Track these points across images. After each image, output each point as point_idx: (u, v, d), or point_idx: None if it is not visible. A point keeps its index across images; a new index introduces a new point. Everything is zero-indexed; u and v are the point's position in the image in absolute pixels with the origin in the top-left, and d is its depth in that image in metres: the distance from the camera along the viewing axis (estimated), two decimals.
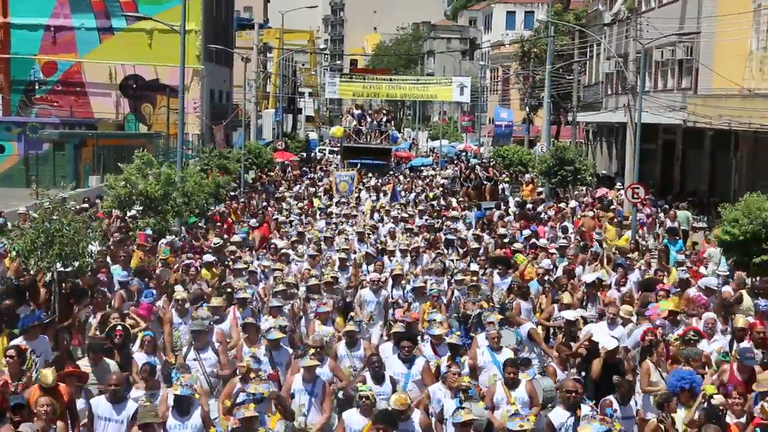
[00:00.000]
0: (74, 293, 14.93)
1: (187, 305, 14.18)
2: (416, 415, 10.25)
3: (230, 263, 18.98)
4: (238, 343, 13.24)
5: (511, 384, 11.40)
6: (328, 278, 16.78)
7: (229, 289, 15.71)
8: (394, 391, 11.09)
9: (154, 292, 15.42)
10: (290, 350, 12.91)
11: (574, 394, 10.31)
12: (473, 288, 16.56)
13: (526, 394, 11.34)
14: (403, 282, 17.73)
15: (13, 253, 15.08)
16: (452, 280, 17.95)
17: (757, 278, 17.30)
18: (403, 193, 38.30)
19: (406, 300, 16.83)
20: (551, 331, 15.98)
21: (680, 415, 10.69)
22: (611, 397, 11.14)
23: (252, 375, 10.92)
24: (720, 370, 12.12)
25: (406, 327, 13.64)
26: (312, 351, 11.64)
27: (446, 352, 12.60)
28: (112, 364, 11.72)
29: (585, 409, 10.22)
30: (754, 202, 17.24)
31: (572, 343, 13.35)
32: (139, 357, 12.13)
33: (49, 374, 10.36)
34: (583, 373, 12.50)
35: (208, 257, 18.87)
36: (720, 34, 31.99)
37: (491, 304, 15.88)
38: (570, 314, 14.32)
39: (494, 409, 11.17)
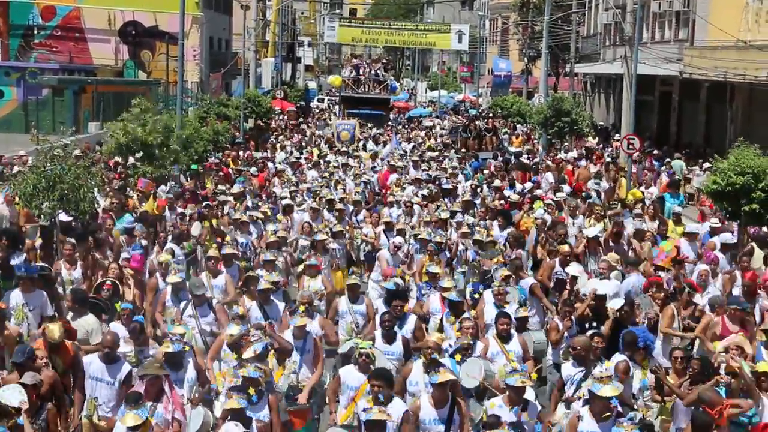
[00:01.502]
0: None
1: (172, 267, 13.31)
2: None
3: (223, 213, 18.67)
4: (234, 297, 12.95)
5: (504, 337, 11.25)
6: (335, 230, 16.73)
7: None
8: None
9: (143, 243, 15.15)
10: (282, 305, 12.49)
11: (584, 351, 10.32)
12: (490, 243, 16.06)
13: (520, 347, 11.22)
14: (394, 231, 17.22)
15: (17, 198, 15.32)
16: (458, 232, 17.35)
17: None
18: (402, 143, 38.35)
19: (407, 255, 16.27)
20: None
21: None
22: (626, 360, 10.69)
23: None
24: (711, 324, 12.06)
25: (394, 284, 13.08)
26: (302, 308, 11.33)
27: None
28: (91, 320, 11.48)
29: (598, 368, 9.91)
30: (743, 154, 17.52)
31: (576, 302, 12.89)
32: (116, 327, 11.17)
33: (55, 330, 10.12)
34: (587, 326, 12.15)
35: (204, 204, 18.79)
36: None
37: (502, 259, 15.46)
38: (574, 269, 14.10)
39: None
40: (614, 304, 12.38)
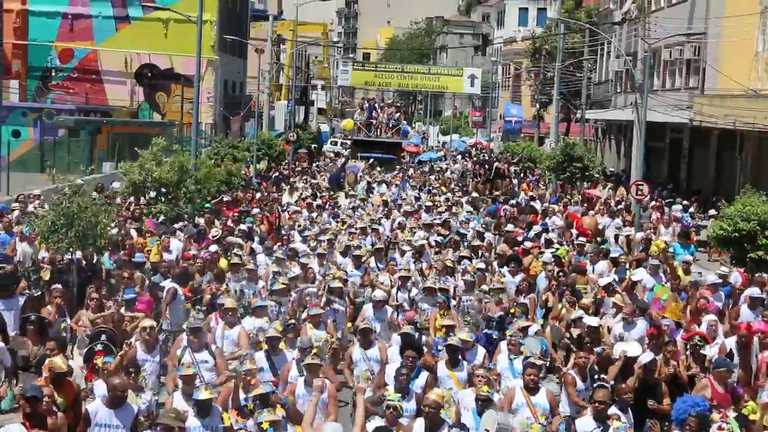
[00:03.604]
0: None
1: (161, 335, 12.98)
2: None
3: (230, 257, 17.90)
4: (246, 349, 12.49)
5: (531, 389, 10.80)
6: (337, 281, 15.86)
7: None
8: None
9: (137, 289, 14.98)
10: (291, 353, 12.02)
11: (603, 406, 10.08)
12: (497, 290, 15.74)
13: (547, 401, 10.76)
14: (409, 284, 16.62)
15: (34, 233, 15.66)
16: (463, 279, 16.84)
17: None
18: (411, 186, 38.22)
19: (412, 303, 16.02)
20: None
21: None
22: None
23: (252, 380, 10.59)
24: (701, 385, 11.69)
25: (413, 330, 12.79)
26: (314, 351, 11.27)
27: (474, 358, 12.13)
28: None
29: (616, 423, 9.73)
30: (750, 201, 17.75)
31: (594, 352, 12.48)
32: (98, 386, 10.55)
33: (60, 361, 10.14)
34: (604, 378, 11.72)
35: (213, 247, 18.52)
36: (727, 34, 32.38)
37: (515, 307, 15.11)
38: (593, 320, 13.73)
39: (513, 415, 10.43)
40: (642, 359, 11.87)
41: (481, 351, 12.52)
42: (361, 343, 12.58)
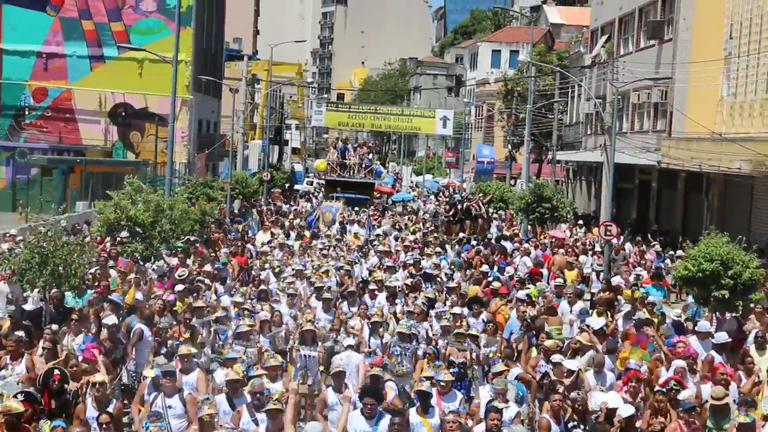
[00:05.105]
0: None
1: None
2: None
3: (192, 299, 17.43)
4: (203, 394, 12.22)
5: None
6: (310, 327, 15.28)
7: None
8: None
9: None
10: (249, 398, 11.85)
11: None
12: (459, 335, 15.31)
13: None
14: (381, 330, 16.25)
15: (7, 271, 15.78)
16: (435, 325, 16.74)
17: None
18: (375, 225, 37.78)
19: (385, 349, 15.65)
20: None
21: None
22: None
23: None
24: (670, 428, 11.79)
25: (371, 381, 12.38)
26: (276, 396, 11.10)
27: (453, 399, 12.18)
28: None
29: None
30: (713, 242, 18.18)
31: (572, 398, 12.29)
32: None
33: (16, 404, 10.03)
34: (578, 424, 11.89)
35: (180, 286, 18.16)
36: (693, 79, 33.11)
37: (492, 354, 15.10)
38: (572, 364, 13.63)
39: None
40: (623, 411, 11.66)
41: (459, 395, 12.52)
42: (335, 387, 12.47)
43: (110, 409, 11.12)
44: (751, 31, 31.16)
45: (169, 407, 11.61)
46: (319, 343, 15.36)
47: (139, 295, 18.19)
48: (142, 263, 21.50)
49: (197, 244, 25.86)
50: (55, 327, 14.37)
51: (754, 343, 15.41)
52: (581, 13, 67.26)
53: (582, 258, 27.81)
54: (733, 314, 18.02)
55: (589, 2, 55.96)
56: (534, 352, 15.35)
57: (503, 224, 39.81)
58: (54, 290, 15.42)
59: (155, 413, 10.89)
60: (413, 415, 11.54)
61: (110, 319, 14.69)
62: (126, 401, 13.20)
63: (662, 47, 36.71)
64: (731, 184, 32.13)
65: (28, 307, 15.35)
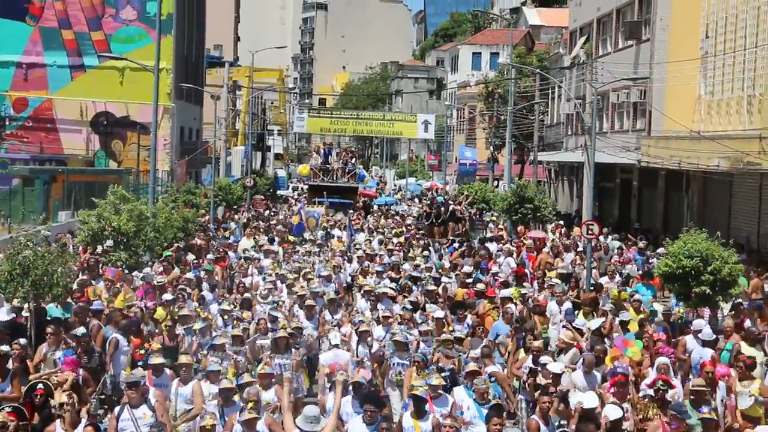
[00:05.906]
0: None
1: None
2: None
3: (177, 309, 17.41)
4: (198, 411, 12.37)
5: None
6: (284, 333, 15.08)
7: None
8: None
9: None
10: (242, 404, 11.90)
11: None
12: (446, 341, 15.29)
13: None
14: (369, 339, 15.92)
15: None
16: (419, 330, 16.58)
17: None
18: (356, 232, 37.58)
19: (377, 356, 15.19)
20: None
21: None
22: None
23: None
24: (653, 426, 11.93)
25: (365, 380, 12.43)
26: (250, 405, 11.24)
27: (445, 404, 12.20)
28: None
29: None
30: (692, 238, 18.37)
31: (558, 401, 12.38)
32: None
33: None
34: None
35: (167, 295, 18.12)
36: (670, 79, 33.35)
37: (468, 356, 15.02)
38: (556, 367, 13.63)
39: None
40: (610, 414, 11.46)
41: (451, 399, 12.49)
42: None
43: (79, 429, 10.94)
44: (727, 30, 31.43)
45: (138, 419, 11.56)
46: (293, 350, 15.06)
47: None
48: (128, 272, 21.57)
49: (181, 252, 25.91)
50: (23, 341, 14.14)
51: (744, 340, 15.62)
52: (560, 15, 67.57)
53: (566, 256, 27.89)
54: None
55: (567, 3, 56.21)
56: (522, 353, 15.49)
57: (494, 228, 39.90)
58: (32, 302, 15.38)
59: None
60: (406, 419, 11.60)
61: (79, 330, 14.50)
62: (106, 411, 13.07)
63: (640, 47, 36.96)
64: (710, 181, 32.38)
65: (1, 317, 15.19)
